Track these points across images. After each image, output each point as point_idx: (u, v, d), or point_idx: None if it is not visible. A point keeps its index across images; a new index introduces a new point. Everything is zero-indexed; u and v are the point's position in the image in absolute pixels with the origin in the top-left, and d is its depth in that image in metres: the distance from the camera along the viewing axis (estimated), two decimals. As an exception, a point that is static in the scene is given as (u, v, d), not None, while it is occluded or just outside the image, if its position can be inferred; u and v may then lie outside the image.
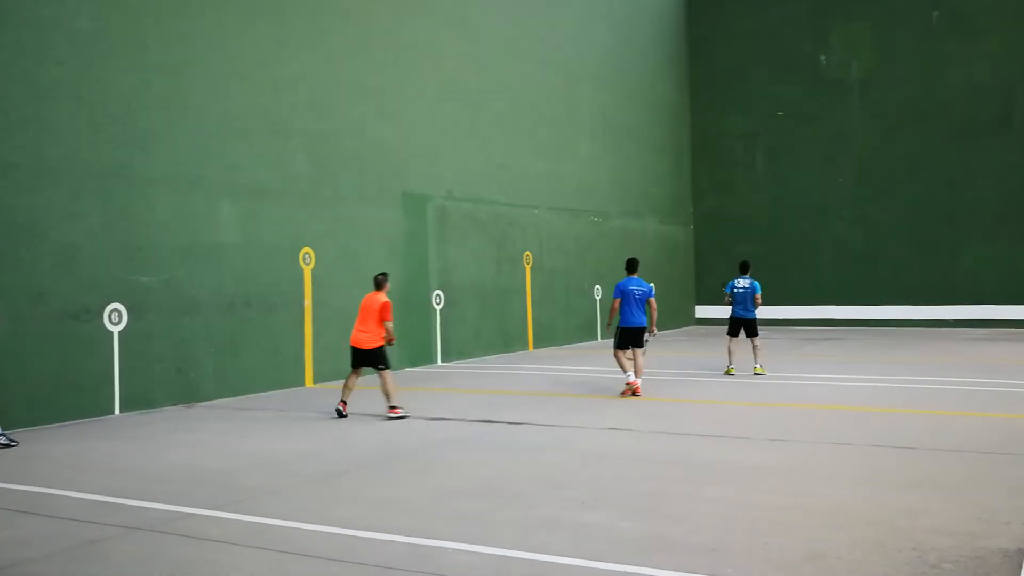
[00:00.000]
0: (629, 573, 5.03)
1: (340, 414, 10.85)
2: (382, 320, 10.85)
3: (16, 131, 10.57)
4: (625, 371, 12.28)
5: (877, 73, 25.16)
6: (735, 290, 14.67)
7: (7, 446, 9.32)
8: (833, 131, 25.71)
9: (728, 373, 14.40)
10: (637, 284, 12.40)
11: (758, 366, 14.32)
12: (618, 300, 12.35)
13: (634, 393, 12.15)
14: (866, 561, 5.14)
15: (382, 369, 10.83)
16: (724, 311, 27.45)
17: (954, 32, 24.32)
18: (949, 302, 24.10)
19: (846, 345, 19.68)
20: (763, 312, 25.50)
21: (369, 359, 10.89)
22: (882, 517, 6.01)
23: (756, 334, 14.63)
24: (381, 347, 10.91)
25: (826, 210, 25.71)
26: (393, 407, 10.74)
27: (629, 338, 12.32)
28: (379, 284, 11.15)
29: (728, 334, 14.82)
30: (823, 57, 25.93)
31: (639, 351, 12.39)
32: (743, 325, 14.65)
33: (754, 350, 14.48)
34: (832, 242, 25.45)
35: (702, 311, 27.74)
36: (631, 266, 12.72)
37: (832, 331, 23.04)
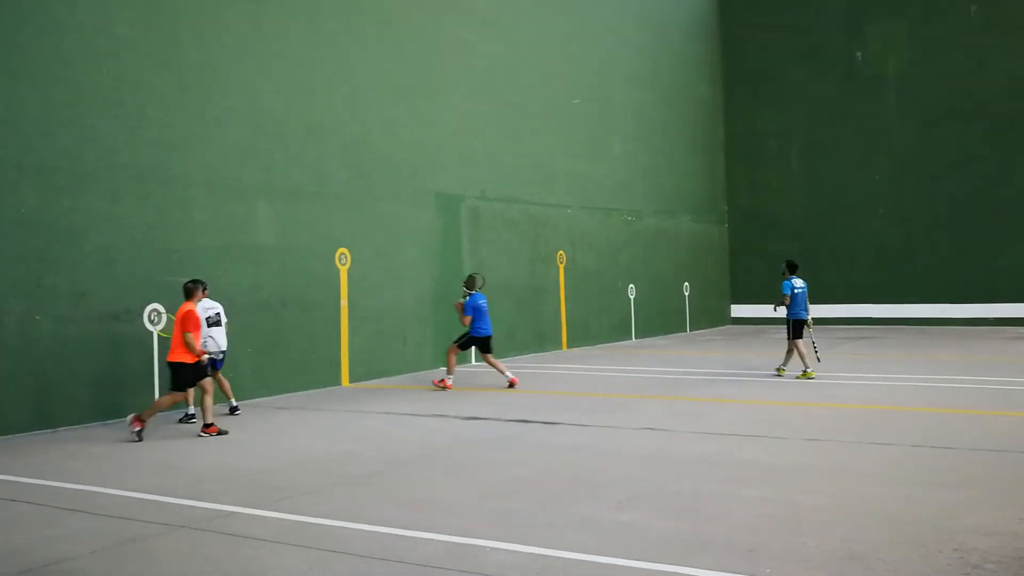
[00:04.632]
0: (667, 572, 5.03)
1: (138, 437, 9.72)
2: (182, 331, 9.71)
3: (57, 134, 10.76)
4: (449, 372, 13.52)
5: (914, 69, 24.84)
6: (795, 291, 14.03)
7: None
8: (869, 128, 25.42)
9: (807, 376, 13.60)
10: (483, 299, 13.76)
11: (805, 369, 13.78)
12: (470, 317, 13.49)
13: (443, 387, 13.35)
14: (907, 562, 5.09)
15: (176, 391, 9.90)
16: (760, 311, 27.83)
17: (993, 26, 23.94)
18: (989, 300, 23.73)
19: (884, 344, 19.46)
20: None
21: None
22: (922, 517, 5.95)
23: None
24: (176, 363, 9.81)
25: (862, 208, 25.41)
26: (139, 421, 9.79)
27: (479, 345, 13.69)
28: (188, 292, 10.14)
29: (797, 337, 13.90)
30: (859, 53, 25.64)
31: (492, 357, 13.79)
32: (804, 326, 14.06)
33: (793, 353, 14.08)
34: (869, 240, 25.15)
35: (737, 310, 27.57)
36: (473, 284, 13.85)
37: (869, 330, 22.77)
